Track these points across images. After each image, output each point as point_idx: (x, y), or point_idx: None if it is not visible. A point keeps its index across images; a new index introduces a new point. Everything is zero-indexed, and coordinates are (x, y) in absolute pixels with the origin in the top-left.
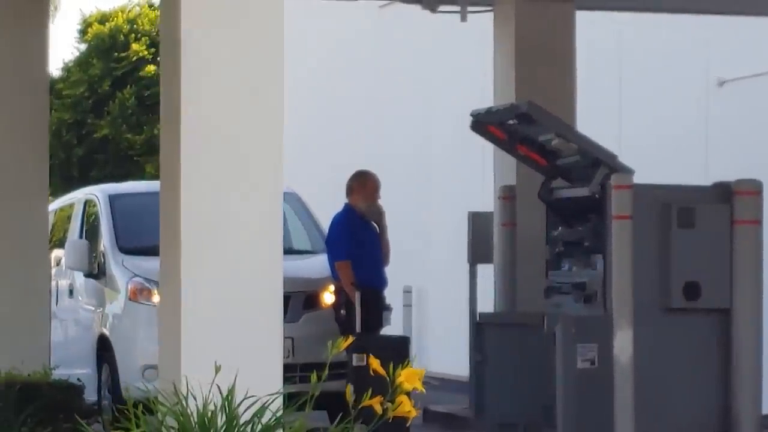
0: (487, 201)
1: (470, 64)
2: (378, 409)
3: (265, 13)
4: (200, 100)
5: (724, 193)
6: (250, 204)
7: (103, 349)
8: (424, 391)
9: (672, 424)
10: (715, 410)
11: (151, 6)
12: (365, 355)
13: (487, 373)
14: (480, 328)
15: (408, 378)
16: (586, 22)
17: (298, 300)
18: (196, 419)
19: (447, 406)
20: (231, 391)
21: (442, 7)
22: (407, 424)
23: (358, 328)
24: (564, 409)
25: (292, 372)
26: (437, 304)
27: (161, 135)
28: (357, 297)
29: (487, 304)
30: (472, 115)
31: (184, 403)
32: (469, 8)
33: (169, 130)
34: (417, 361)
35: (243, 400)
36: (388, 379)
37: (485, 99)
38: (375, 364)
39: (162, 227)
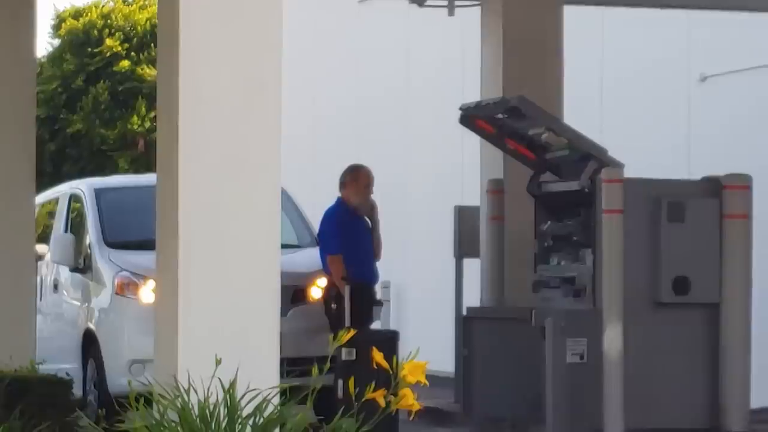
0: (467, 195)
1: (450, 59)
2: (381, 402)
3: (265, 4)
4: (198, 92)
5: (714, 187)
6: (247, 197)
7: (89, 344)
8: (427, 384)
9: (661, 418)
10: (703, 404)
11: (125, 1)
12: (354, 350)
13: (474, 367)
14: (467, 322)
15: (411, 371)
16: (569, 18)
17: (286, 294)
18: (197, 413)
19: (433, 400)
20: (233, 385)
21: (429, 1)
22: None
23: (347, 323)
24: (553, 403)
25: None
26: (417, 299)
27: (158, 128)
28: (347, 291)
29: (471, 298)
30: (461, 109)
31: (185, 396)
32: (457, 2)
33: (167, 123)
34: (407, 355)
35: (245, 393)
36: (390, 372)
37: (466, 94)
38: (378, 357)
39: (158, 220)
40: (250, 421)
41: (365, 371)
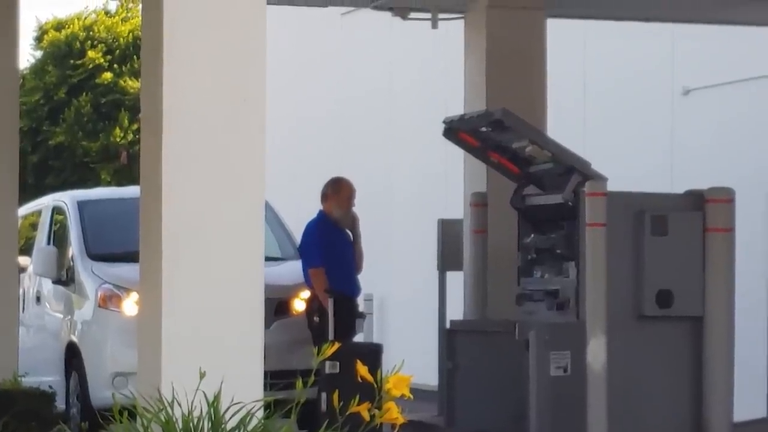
0: (450, 208)
1: (433, 71)
2: (366, 416)
3: (248, 15)
4: (182, 104)
5: (697, 200)
6: (231, 209)
7: (72, 357)
8: (412, 397)
9: (645, 431)
10: (687, 418)
11: (107, 13)
12: (338, 363)
13: (458, 380)
14: (451, 335)
15: (396, 384)
16: (552, 30)
17: (269, 307)
18: (181, 426)
19: (416, 414)
20: (217, 398)
21: (412, 14)
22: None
23: (330, 335)
24: (537, 417)
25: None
26: (400, 312)
27: (142, 139)
28: (330, 304)
29: (454, 311)
30: (444, 122)
31: (169, 409)
32: (440, 15)
33: (151, 134)
34: (392, 369)
35: (229, 406)
36: (374, 385)
37: (449, 106)
38: (362, 370)
39: (142, 232)
40: None
41: (349, 384)
